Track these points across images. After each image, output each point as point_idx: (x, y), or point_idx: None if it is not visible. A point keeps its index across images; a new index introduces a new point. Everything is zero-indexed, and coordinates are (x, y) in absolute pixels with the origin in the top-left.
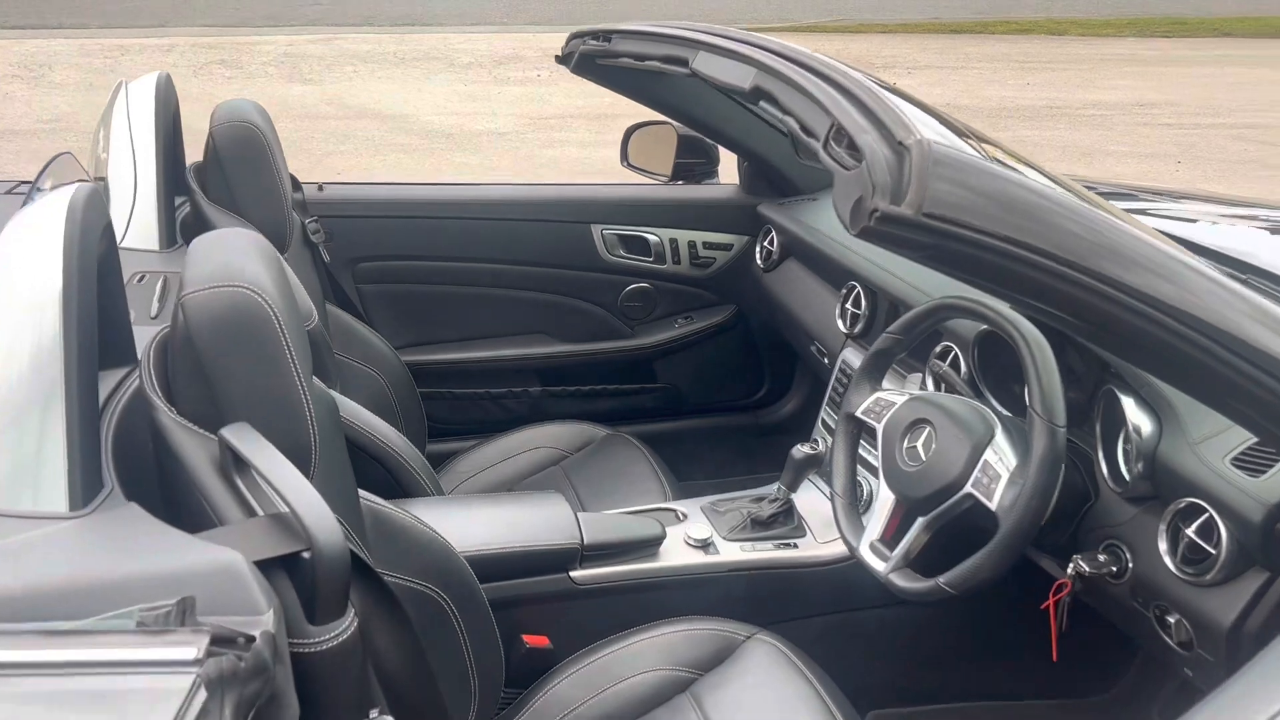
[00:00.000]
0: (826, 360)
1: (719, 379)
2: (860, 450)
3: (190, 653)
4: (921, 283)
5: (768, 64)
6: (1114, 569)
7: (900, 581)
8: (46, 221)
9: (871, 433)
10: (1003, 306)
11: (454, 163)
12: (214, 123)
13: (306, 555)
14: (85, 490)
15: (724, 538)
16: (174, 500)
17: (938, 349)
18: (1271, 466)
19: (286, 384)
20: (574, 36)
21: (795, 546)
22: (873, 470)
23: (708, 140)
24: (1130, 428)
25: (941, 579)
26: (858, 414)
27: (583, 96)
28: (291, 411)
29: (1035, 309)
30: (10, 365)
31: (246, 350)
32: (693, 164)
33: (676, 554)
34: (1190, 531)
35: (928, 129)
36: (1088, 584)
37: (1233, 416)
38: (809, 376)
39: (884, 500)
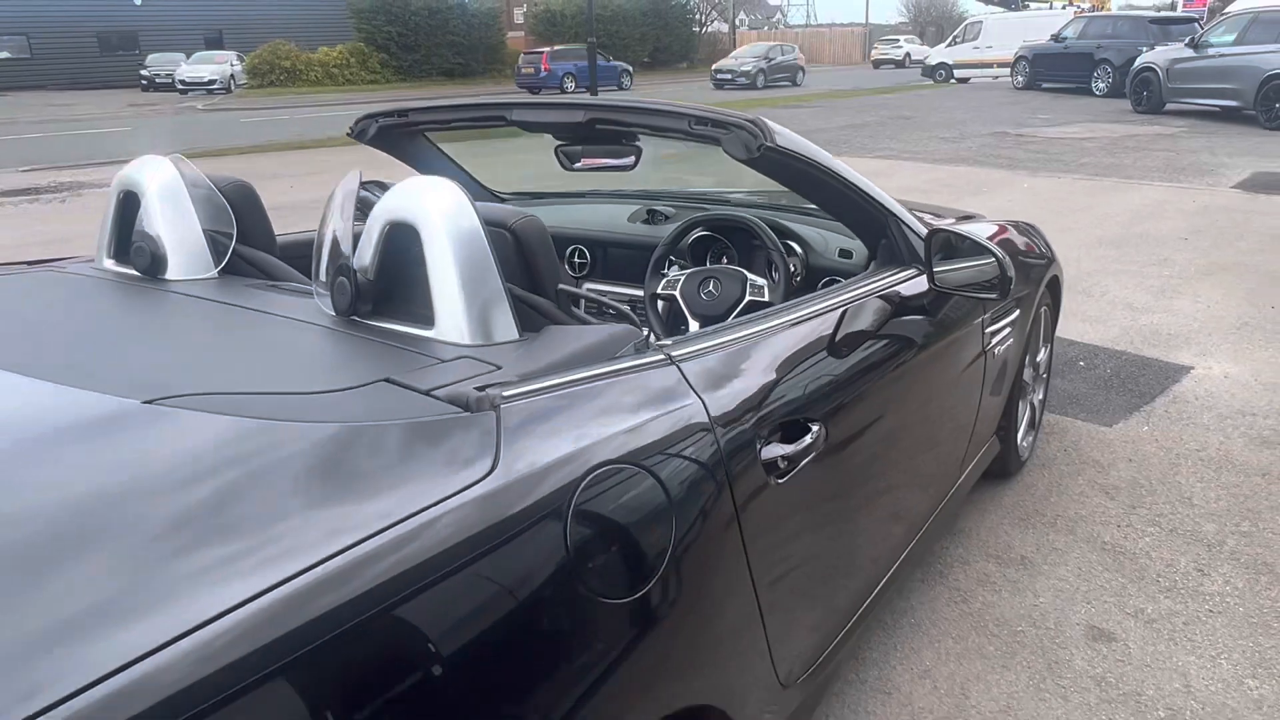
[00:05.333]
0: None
1: None
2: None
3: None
4: (614, 227)
5: (595, 103)
6: None
7: None
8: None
9: (669, 299)
10: (730, 211)
11: None
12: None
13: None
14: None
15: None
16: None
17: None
18: (853, 255)
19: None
20: (365, 117)
21: None
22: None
23: None
24: (799, 255)
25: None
26: (659, 291)
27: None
28: None
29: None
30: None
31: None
32: None
33: None
34: None
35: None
36: None
37: (858, 230)
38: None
39: (693, 326)
